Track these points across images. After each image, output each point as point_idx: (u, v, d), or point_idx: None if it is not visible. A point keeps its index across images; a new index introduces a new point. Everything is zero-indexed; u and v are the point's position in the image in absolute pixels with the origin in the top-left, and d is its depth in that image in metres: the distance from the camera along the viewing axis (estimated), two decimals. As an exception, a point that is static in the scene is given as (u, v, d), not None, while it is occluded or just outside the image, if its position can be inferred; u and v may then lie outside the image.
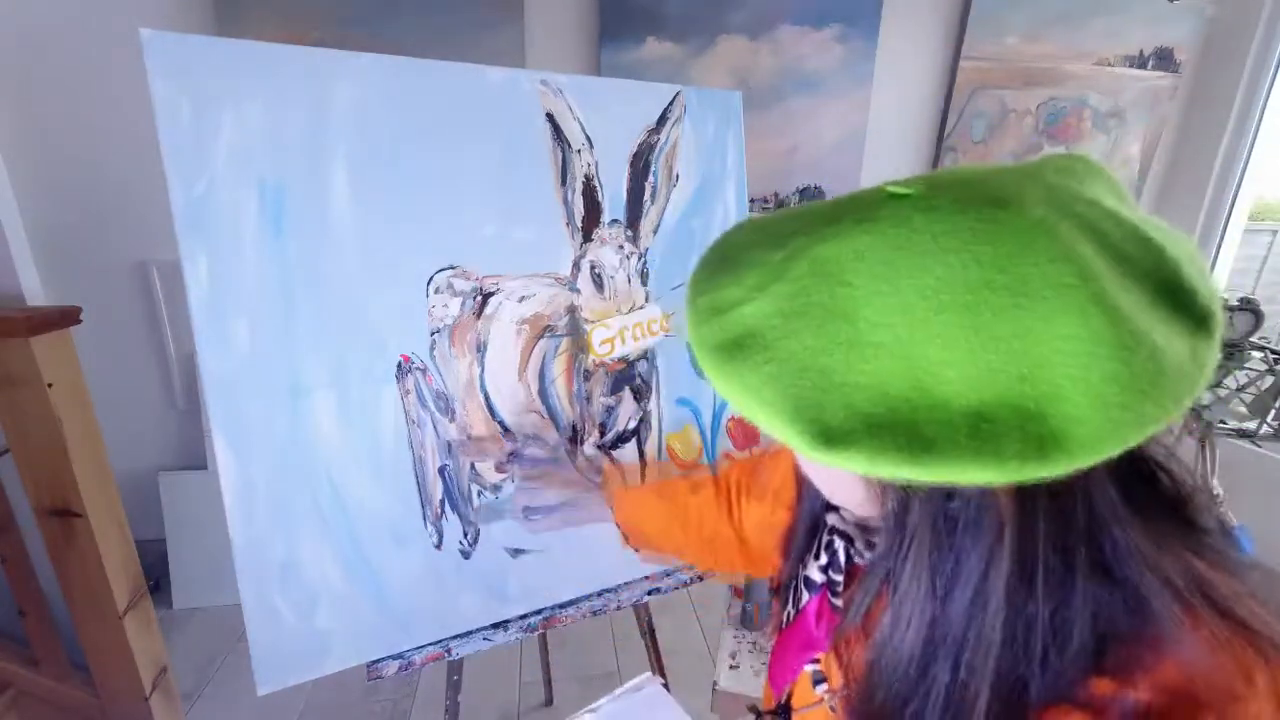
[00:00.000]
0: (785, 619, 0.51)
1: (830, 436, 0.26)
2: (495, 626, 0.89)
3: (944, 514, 0.31)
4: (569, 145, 0.89)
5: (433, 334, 0.82)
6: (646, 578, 0.99)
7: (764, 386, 0.28)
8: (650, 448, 1.01)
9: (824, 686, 0.46)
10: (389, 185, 0.78)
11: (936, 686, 0.32)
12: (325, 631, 0.78)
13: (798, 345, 0.28)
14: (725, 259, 0.34)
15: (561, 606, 0.93)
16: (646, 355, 0.98)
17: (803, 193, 1.84)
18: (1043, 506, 0.29)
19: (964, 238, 0.26)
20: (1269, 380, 1.61)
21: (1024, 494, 0.29)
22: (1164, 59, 1.86)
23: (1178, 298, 0.26)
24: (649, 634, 1.05)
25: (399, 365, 0.80)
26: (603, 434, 0.96)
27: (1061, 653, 0.30)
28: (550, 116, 0.87)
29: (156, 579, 1.80)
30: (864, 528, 0.44)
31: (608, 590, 0.96)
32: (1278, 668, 0.28)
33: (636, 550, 0.81)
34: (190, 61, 0.67)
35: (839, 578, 0.46)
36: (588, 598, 0.95)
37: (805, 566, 0.49)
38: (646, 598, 0.98)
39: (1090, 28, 1.80)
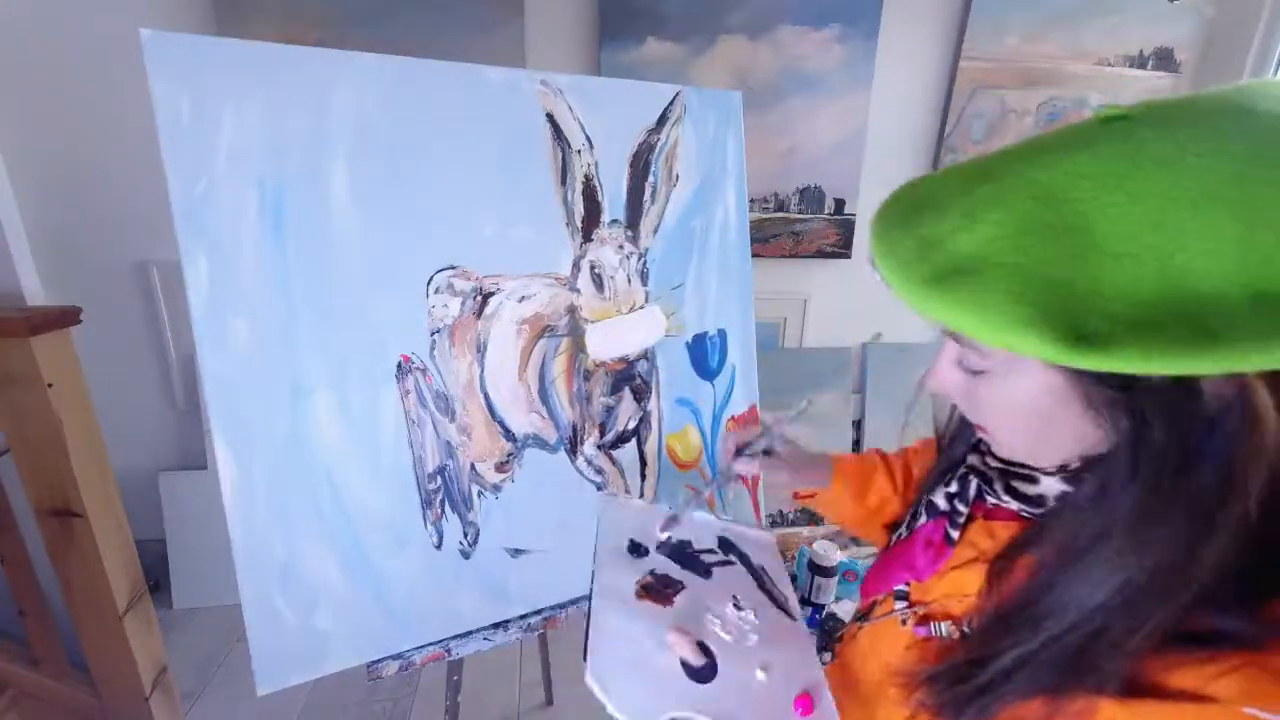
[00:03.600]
0: (895, 538, 0.54)
1: (1090, 340, 0.26)
2: (495, 626, 0.89)
3: (1179, 438, 0.29)
4: (569, 145, 0.89)
5: (433, 334, 0.82)
6: (646, 578, 0.99)
7: (1001, 303, 0.28)
8: (650, 448, 1.01)
9: (904, 604, 0.50)
10: (389, 185, 0.78)
11: (1105, 608, 0.32)
12: (325, 631, 0.78)
13: (1031, 260, 0.29)
14: (917, 204, 0.35)
15: (561, 606, 0.93)
16: (646, 355, 0.98)
17: (803, 193, 1.84)
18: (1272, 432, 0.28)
19: (1211, 140, 0.27)
20: None
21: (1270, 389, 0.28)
22: (1164, 59, 1.85)
23: None
24: (649, 634, 1.04)
25: (399, 365, 0.80)
26: (603, 434, 0.96)
27: (1226, 591, 0.29)
28: (550, 116, 0.87)
29: (156, 579, 1.79)
30: (1007, 473, 0.44)
31: (608, 590, 0.96)
32: None
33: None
34: (190, 61, 0.67)
35: (963, 509, 0.47)
36: (588, 598, 0.95)
37: (932, 493, 0.51)
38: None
39: (1090, 28, 1.80)
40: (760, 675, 0.51)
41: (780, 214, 1.85)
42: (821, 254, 1.88)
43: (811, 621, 1.35)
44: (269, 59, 0.71)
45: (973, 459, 0.48)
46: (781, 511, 2.01)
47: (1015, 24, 1.77)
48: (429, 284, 0.81)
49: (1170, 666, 0.31)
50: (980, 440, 0.47)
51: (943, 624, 0.45)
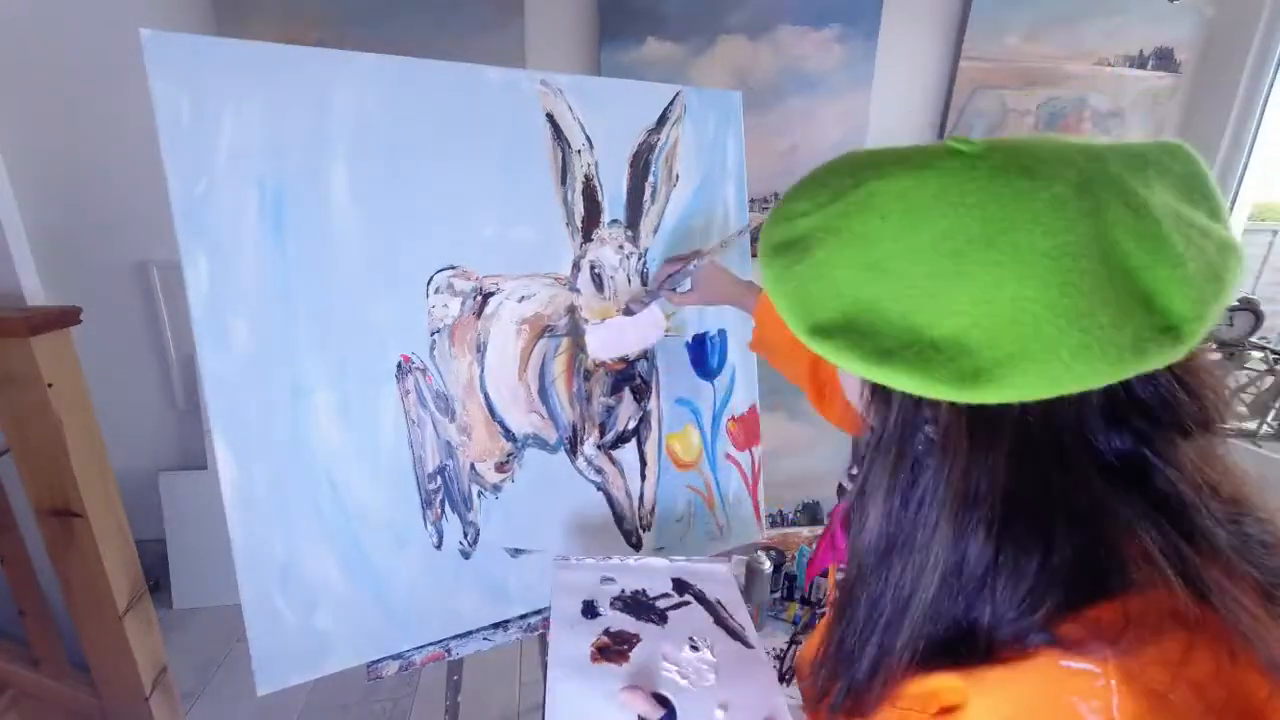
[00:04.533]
0: (829, 525, 0.57)
1: (816, 331, 0.33)
2: (495, 626, 0.89)
3: (915, 431, 0.35)
4: (569, 145, 0.89)
5: (433, 334, 0.82)
6: (646, 578, 0.99)
7: (789, 283, 0.35)
8: (650, 448, 1.01)
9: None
10: (389, 185, 0.78)
11: (906, 598, 0.36)
12: (325, 631, 0.78)
13: (824, 255, 0.34)
14: (815, 180, 0.39)
15: (561, 606, 0.93)
16: (646, 355, 0.98)
17: (803, 193, 1.84)
18: (1001, 448, 0.32)
19: (983, 198, 0.31)
20: (1269, 380, 1.61)
21: (978, 427, 0.32)
22: (1164, 59, 1.85)
23: (1150, 304, 0.29)
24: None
25: (399, 365, 0.80)
26: (603, 434, 0.96)
27: (1014, 589, 0.33)
28: (550, 116, 0.87)
29: (156, 579, 1.79)
30: None
31: (608, 590, 0.96)
32: (1231, 651, 0.30)
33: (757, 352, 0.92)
34: (190, 61, 0.67)
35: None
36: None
37: (844, 477, 0.53)
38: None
39: (1090, 28, 1.80)
40: (720, 715, 0.53)
41: (780, 214, 1.85)
42: (821, 254, 1.88)
43: (812, 621, 1.35)
44: (269, 59, 0.71)
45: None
46: (781, 511, 2.01)
47: (1015, 24, 1.76)
48: (429, 284, 0.81)
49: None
50: None
51: None
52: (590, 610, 0.65)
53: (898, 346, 0.31)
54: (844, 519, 0.51)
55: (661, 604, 0.67)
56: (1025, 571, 0.32)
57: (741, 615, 0.66)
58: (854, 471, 0.51)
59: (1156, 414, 0.33)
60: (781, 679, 0.62)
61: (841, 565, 0.53)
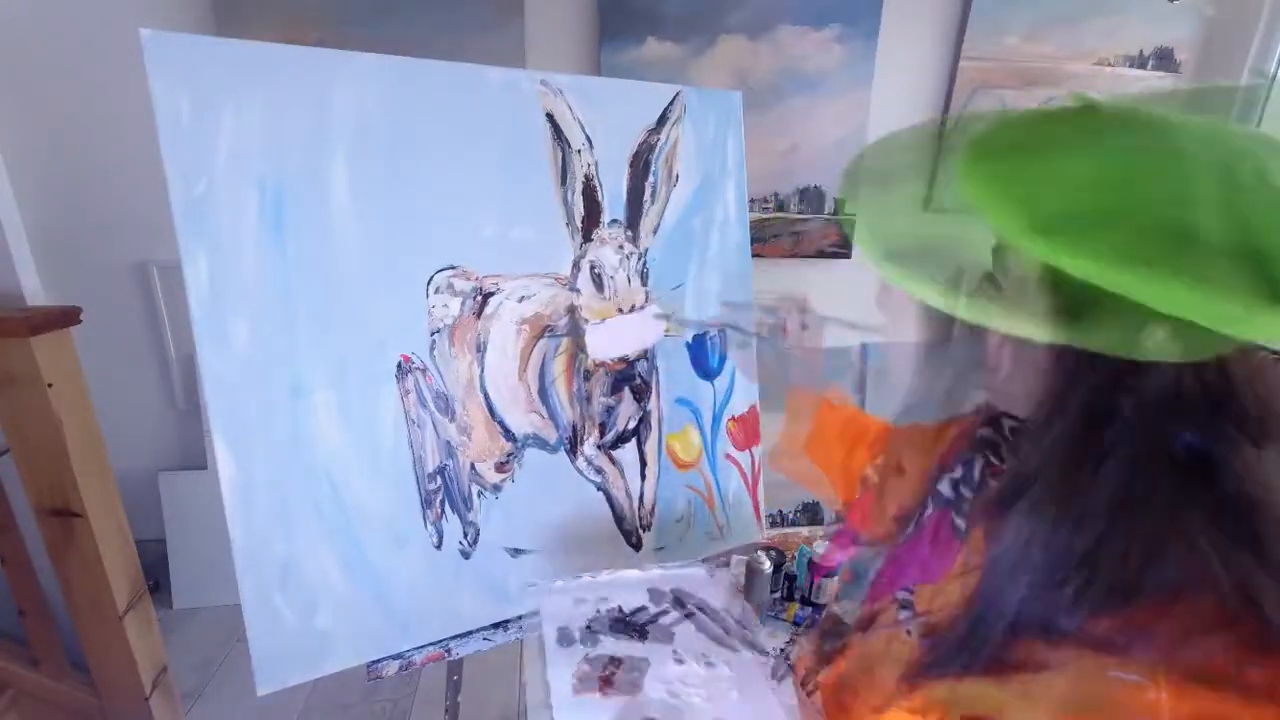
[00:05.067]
0: (903, 539, 0.51)
1: (1047, 228, 0.28)
2: (495, 626, 0.89)
3: (1103, 406, 0.31)
4: (569, 145, 0.89)
5: (433, 334, 0.82)
6: (646, 578, 0.99)
7: (1016, 185, 0.30)
8: (650, 447, 1.01)
9: (908, 613, 0.46)
10: (389, 185, 0.78)
11: (1015, 591, 0.32)
12: (325, 631, 0.78)
13: (1063, 158, 0.30)
14: (1025, 111, 0.35)
15: (561, 606, 0.93)
16: (646, 355, 0.98)
17: (803, 193, 1.84)
18: (1164, 429, 0.29)
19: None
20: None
21: (1163, 404, 0.29)
22: (1164, 59, 1.85)
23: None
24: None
25: (399, 365, 0.80)
26: (603, 434, 0.96)
27: (1073, 583, 0.30)
28: (550, 116, 0.87)
29: (156, 579, 1.79)
30: (1017, 432, 0.42)
31: (608, 590, 0.96)
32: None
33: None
34: (190, 61, 0.67)
35: (968, 494, 0.45)
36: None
37: (939, 484, 0.48)
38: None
39: (1090, 28, 1.80)
40: None
41: (780, 214, 1.85)
42: (821, 254, 1.88)
43: (814, 620, 1.34)
44: (269, 59, 0.71)
45: (983, 431, 0.45)
46: (781, 511, 2.01)
47: (1015, 24, 1.76)
48: (429, 284, 0.81)
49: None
50: (992, 413, 0.45)
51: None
52: (567, 638, 0.63)
53: (1223, 261, 0.25)
54: (937, 528, 0.46)
55: (640, 618, 0.64)
56: (1087, 564, 0.30)
57: (723, 614, 0.64)
58: (956, 475, 0.46)
59: (1228, 409, 0.30)
60: (779, 677, 0.60)
61: (908, 586, 0.47)
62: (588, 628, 0.64)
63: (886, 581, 0.50)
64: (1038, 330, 0.31)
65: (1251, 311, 0.25)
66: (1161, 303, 0.25)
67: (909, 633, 0.45)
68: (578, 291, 0.91)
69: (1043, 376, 0.34)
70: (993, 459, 0.44)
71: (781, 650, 0.60)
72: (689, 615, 0.65)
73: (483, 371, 0.86)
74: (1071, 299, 0.29)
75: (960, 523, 0.45)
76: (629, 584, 0.69)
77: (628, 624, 0.64)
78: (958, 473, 0.46)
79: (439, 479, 0.84)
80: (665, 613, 0.65)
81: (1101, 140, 0.30)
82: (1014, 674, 0.31)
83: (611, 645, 0.61)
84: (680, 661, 0.58)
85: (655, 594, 0.68)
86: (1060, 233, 0.28)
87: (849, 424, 0.72)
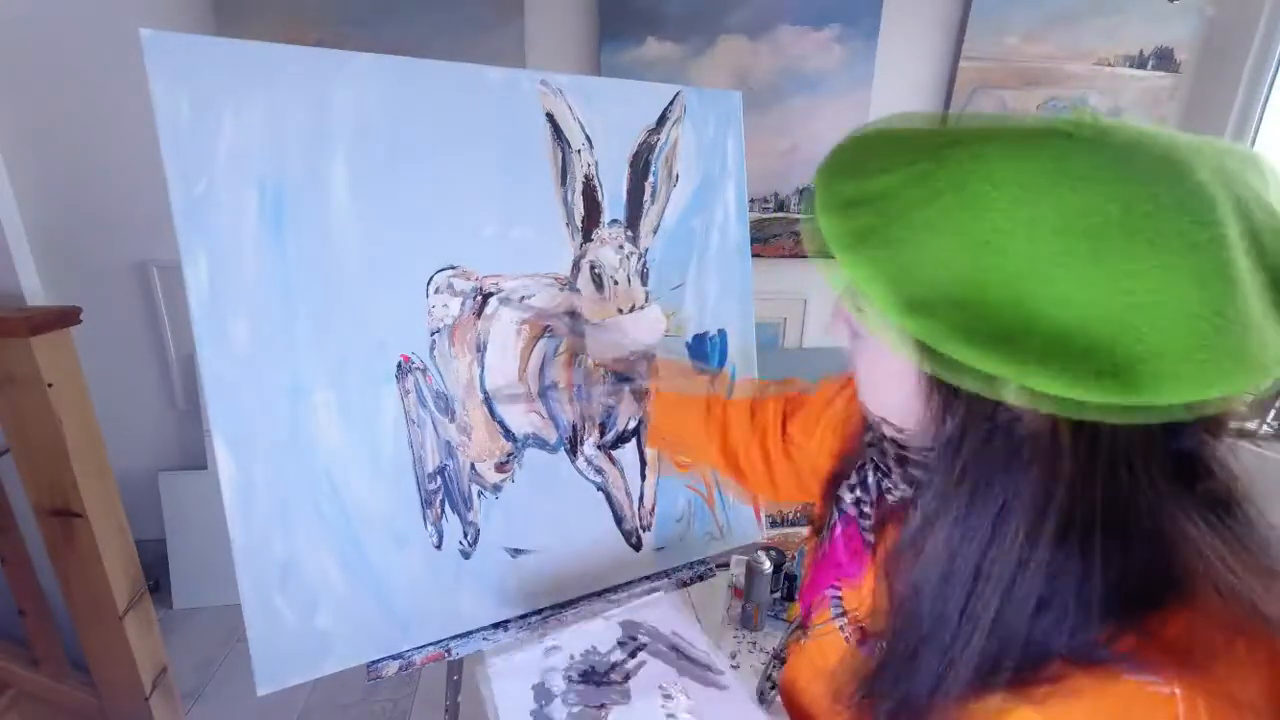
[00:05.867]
0: (823, 544, 0.53)
1: (914, 306, 0.29)
2: (495, 626, 0.89)
3: (1002, 443, 0.32)
4: (569, 145, 0.89)
5: (433, 334, 0.82)
6: (646, 578, 0.99)
7: (903, 279, 0.30)
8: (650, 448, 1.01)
9: (842, 619, 0.48)
10: (389, 185, 0.78)
11: (976, 617, 0.33)
12: (325, 631, 0.78)
13: (921, 219, 0.30)
14: (888, 135, 0.35)
15: (561, 606, 0.93)
16: (646, 355, 0.98)
17: (803, 193, 1.84)
18: (1101, 456, 0.30)
19: (1117, 179, 0.28)
20: (1269, 380, 1.61)
21: (1088, 442, 0.30)
22: (1164, 59, 1.85)
23: None
24: (649, 634, 1.04)
25: (399, 365, 0.80)
26: (603, 434, 0.96)
27: (1083, 603, 0.31)
28: (550, 116, 0.87)
29: (156, 579, 1.79)
30: (903, 461, 0.44)
31: (608, 590, 0.96)
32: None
33: (658, 450, 0.91)
34: (190, 61, 0.67)
35: (869, 509, 0.47)
36: (588, 598, 0.95)
37: (840, 491, 0.50)
38: (647, 598, 0.98)
39: (1090, 28, 1.80)
40: None
41: (780, 214, 1.85)
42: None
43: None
44: (269, 59, 0.71)
45: (873, 452, 0.47)
46: (782, 512, 2.01)
47: (1015, 24, 1.77)
48: (429, 284, 0.81)
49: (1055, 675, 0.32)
50: (878, 431, 0.45)
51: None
52: (544, 696, 0.60)
53: (1018, 333, 0.27)
54: (848, 537, 0.48)
55: (616, 657, 0.62)
56: (1094, 584, 0.30)
57: (698, 639, 0.62)
58: (853, 483, 0.48)
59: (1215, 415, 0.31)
60: (760, 694, 0.59)
61: (836, 583, 0.50)
62: (565, 680, 0.61)
63: (811, 582, 0.53)
64: (907, 353, 0.31)
65: (1090, 391, 0.26)
66: (1011, 376, 0.27)
67: (847, 637, 0.47)
68: (578, 291, 0.91)
69: (913, 395, 0.36)
70: (883, 475, 0.45)
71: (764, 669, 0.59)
72: (668, 647, 0.63)
73: (482, 371, 0.86)
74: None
75: (869, 536, 0.47)
76: (596, 629, 0.67)
77: (608, 674, 0.62)
78: (854, 481, 0.48)
79: (439, 479, 0.84)
80: (643, 646, 0.64)
81: (951, 192, 0.30)
82: (1041, 688, 0.31)
83: (595, 694, 0.59)
84: (669, 696, 0.58)
85: (628, 628, 0.66)
86: (928, 309, 0.29)
87: (710, 407, 0.77)
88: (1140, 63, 1.85)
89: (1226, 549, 0.30)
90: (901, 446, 0.43)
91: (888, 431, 0.43)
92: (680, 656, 0.62)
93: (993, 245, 0.29)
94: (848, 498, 0.49)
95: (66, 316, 1.09)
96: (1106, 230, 0.27)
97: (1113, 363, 0.26)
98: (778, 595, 1.40)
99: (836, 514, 0.50)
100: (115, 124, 1.52)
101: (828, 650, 0.49)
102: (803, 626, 0.54)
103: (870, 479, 0.47)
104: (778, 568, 1.37)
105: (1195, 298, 0.26)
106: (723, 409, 0.76)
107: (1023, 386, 0.27)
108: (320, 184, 0.74)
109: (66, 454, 1.07)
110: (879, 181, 0.32)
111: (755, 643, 1.30)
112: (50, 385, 1.04)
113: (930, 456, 0.37)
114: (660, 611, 0.67)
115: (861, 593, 0.47)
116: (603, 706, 0.58)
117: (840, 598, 0.49)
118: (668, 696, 0.57)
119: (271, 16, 1.51)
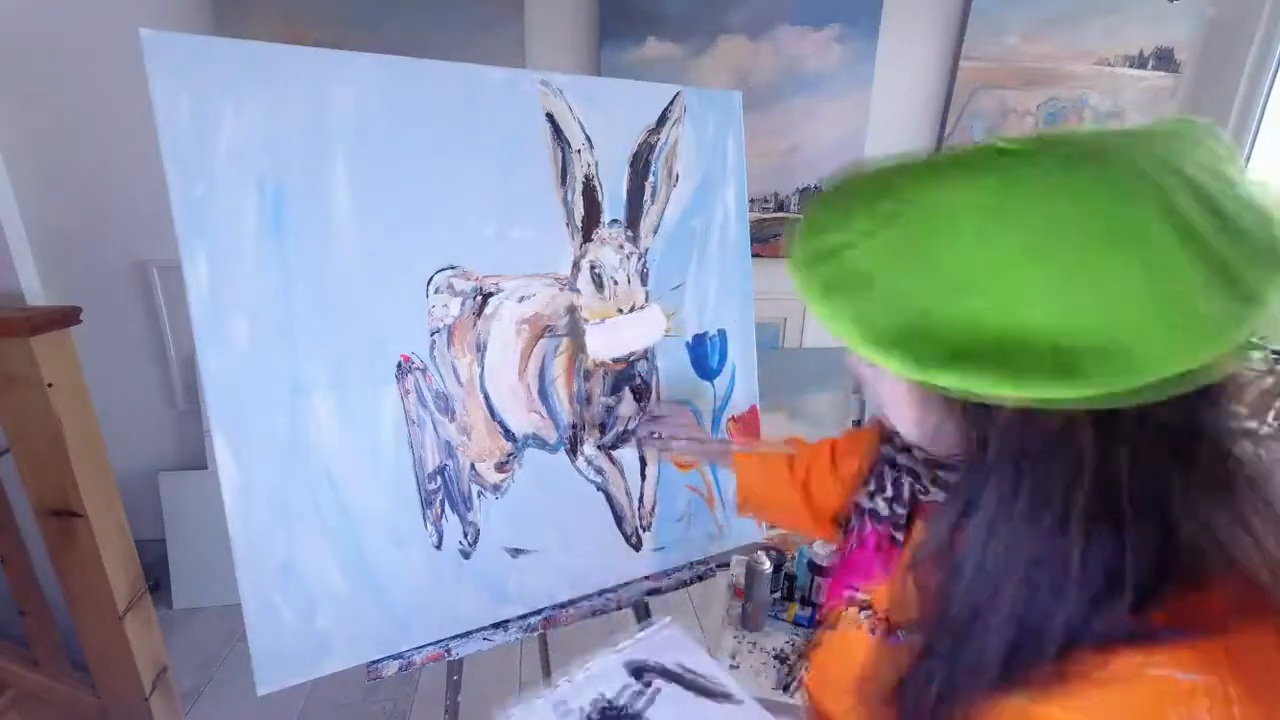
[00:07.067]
0: (849, 548, 0.56)
1: (924, 362, 0.30)
2: (495, 626, 0.89)
3: (1024, 447, 0.33)
4: (569, 145, 0.89)
5: (433, 334, 0.82)
6: (646, 578, 0.99)
7: (869, 319, 0.33)
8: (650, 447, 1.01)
9: (867, 612, 0.51)
10: (389, 185, 0.78)
11: (1005, 608, 0.34)
12: (325, 631, 0.78)
13: (901, 286, 0.32)
14: (841, 204, 0.37)
15: (561, 606, 0.93)
16: (646, 355, 0.98)
17: (803, 193, 1.84)
18: (1122, 447, 0.31)
19: (1052, 191, 0.30)
20: (1269, 380, 1.61)
21: (1103, 430, 0.31)
22: (1164, 59, 1.85)
23: (1228, 273, 0.29)
24: (649, 634, 1.04)
25: (399, 365, 0.80)
26: (603, 434, 0.96)
27: (1115, 591, 0.32)
28: (550, 116, 0.87)
29: (156, 579, 1.79)
30: (931, 464, 0.47)
31: (607, 590, 0.96)
32: None
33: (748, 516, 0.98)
34: (190, 61, 0.67)
35: (902, 511, 0.50)
36: (588, 598, 0.95)
37: (871, 500, 0.52)
38: (646, 598, 0.98)
39: (1090, 28, 1.80)
40: None
41: (780, 214, 1.85)
42: (821, 254, 1.88)
43: (810, 620, 1.35)
44: (269, 59, 0.71)
45: (902, 458, 0.49)
46: (781, 511, 2.01)
47: (1015, 24, 1.77)
48: (429, 284, 0.81)
49: (1092, 664, 0.32)
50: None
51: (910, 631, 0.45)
52: None
53: (1028, 360, 0.28)
54: (880, 548, 0.50)
55: (625, 695, 0.62)
56: (1123, 567, 0.31)
57: (708, 667, 0.62)
58: (879, 486, 0.51)
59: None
60: (785, 688, 0.59)
61: (858, 584, 0.52)
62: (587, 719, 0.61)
63: (838, 586, 0.55)
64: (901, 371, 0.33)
65: (1052, 388, 0.28)
66: (973, 388, 0.29)
67: (871, 630, 0.49)
68: (578, 291, 0.91)
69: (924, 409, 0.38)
70: (914, 481, 0.48)
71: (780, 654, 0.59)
72: (679, 680, 0.63)
73: (483, 371, 0.86)
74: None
75: (899, 535, 0.49)
76: (604, 672, 0.65)
77: (623, 713, 0.61)
78: (889, 492, 0.50)
79: (439, 479, 0.84)
80: (650, 684, 0.63)
81: (915, 254, 0.32)
82: (1071, 686, 0.32)
83: None
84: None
85: (637, 671, 0.65)
86: (885, 345, 0.31)
87: (793, 466, 0.79)
88: (1140, 63, 1.85)
89: (1256, 533, 0.31)
90: (932, 455, 0.45)
91: (916, 444, 0.45)
92: (691, 685, 0.62)
93: (928, 268, 0.31)
94: (881, 508, 0.51)
95: (66, 316, 1.09)
96: (1048, 245, 0.29)
97: (1057, 359, 0.28)
98: (778, 595, 1.40)
99: (870, 524, 0.52)
100: (115, 124, 1.52)
101: (849, 644, 0.51)
102: (832, 625, 0.56)
103: (905, 484, 0.49)
104: (778, 568, 1.36)
105: (1134, 284, 0.28)
106: (805, 468, 0.78)
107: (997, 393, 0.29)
108: (320, 184, 0.74)
109: (66, 454, 1.07)
110: (830, 238, 0.35)
111: (755, 643, 1.30)
112: (50, 385, 1.04)
113: (957, 459, 0.39)
114: (663, 645, 0.67)
115: (887, 590, 0.48)
116: None
117: (864, 597, 0.51)
118: None
119: (271, 16, 1.51)
